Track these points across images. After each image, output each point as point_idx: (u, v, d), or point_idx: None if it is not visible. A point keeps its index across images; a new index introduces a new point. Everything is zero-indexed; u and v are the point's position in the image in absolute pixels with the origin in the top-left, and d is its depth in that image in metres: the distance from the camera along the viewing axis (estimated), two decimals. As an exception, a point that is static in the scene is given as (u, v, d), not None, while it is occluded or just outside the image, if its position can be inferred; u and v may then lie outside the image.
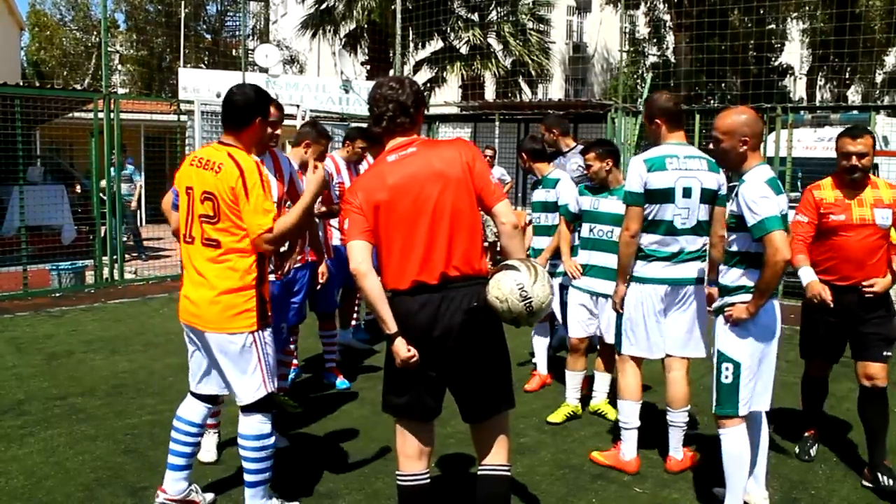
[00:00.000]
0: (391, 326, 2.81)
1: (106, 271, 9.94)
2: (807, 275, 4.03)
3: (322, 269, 5.05)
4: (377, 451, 4.35)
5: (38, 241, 10.06)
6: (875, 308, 4.06)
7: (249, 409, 3.33)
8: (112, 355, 6.37)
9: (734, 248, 3.44)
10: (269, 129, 3.81)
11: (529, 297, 2.74)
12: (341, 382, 5.65)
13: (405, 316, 2.83)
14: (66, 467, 4.08)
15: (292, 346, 5.19)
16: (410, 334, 2.82)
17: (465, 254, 2.84)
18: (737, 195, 3.36)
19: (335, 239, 5.80)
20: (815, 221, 4.11)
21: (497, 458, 3.00)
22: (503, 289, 2.75)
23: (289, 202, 4.08)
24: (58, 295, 9.27)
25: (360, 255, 2.84)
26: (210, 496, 3.71)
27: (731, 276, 3.45)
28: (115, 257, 9.94)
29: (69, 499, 3.72)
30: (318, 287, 5.10)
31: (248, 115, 3.32)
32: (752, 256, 3.37)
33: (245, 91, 3.35)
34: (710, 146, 3.62)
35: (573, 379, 4.99)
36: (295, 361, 5.59)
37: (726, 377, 3.41)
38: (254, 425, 3.34)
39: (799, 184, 10.16)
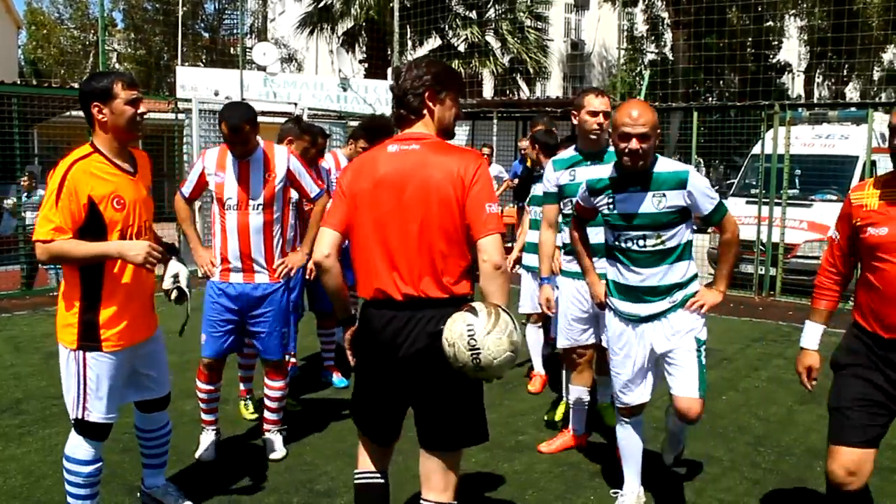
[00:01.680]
0: (342, 313, 2.80)
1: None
2: (808, 336, 3.01)
3: (310, 265, 5.03)
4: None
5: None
6: None
7: (74, 425, 3.17)
8: (110, 354, 6.37)
9: (673, 242, 3.30)
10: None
11: (478, 348, 2.39)
12: (339, 380, 5.65)
13: (371, 332, 2.69)
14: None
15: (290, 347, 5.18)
16: (376, 352, 2.70)
17: (439, 274, 2.60)
18: (682, 187, 3.20)
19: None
20: (847, 240, 2.93)
21: (443, 496, 2.72)
22: (453, 331, 2.43)
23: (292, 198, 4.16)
24: (56, 294, 9.23)
25: (326, 247, 2.69)
26: None
27: (679, 270, 3.34)
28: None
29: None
30: (312, 283, 5.10)
31: (84, 105, 3.04)
32: (689, 245, 3.40)
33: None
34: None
35: (571, 377, 4.99)
36: (293, 360, 5.59)
37: (704, 361, 3.40)
38: (71, 442, 3.19)
39: (797, 181, 10.19)
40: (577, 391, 4.43)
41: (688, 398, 3.35)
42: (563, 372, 5.02)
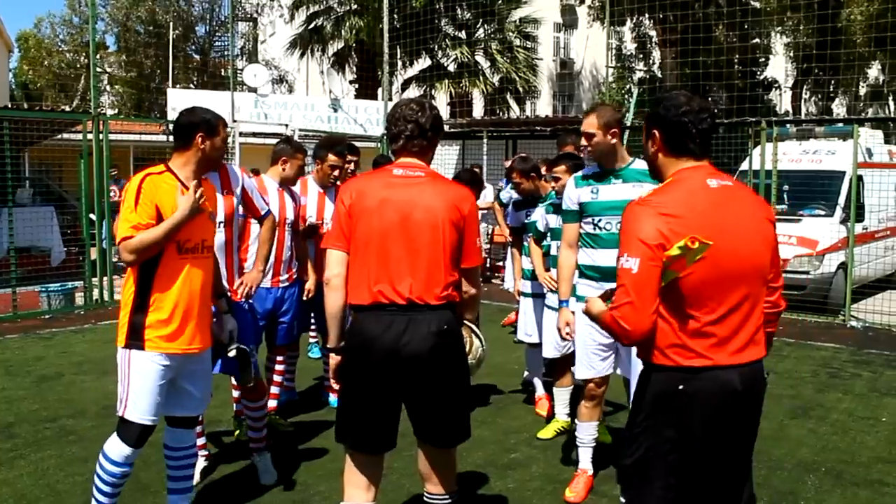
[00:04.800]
0: (334, 342, 2.98)
1: (96, 292, 9.90)
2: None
3: (309, 286, 5.04)
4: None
5: (28, 263, 10.03)
6: None
7: (118, 425, 3.31)
8: (102, 377, 6.35)
9: None
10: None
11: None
12: (335, 400, 5.62)
13: (369, 339, 2.83)
14: (56, 490, 4.07)
15: (282, 367, 5.17)
16: (374, 357, 2.82)
17: (437, 284, 2.86)
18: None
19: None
20: None
21: (445, 487, 3.01)
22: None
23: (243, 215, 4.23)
24: (47, 317, 9.22)
25: (335, 267, 2.94)
26: None
27: None
28: (104, 278, 9.92)
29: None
30: (307, 301, 5.10)
31: (187, 131, 3.39)
32: None
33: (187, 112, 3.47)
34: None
35: (561, 395, 4.99)
36: (288, 384, 5.56)
37: None
38: (110, 440, 3.32)
39: (785, 196, 10.28)
40: (590, 428, 4.15)
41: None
42: (554, 390, 5.04)
